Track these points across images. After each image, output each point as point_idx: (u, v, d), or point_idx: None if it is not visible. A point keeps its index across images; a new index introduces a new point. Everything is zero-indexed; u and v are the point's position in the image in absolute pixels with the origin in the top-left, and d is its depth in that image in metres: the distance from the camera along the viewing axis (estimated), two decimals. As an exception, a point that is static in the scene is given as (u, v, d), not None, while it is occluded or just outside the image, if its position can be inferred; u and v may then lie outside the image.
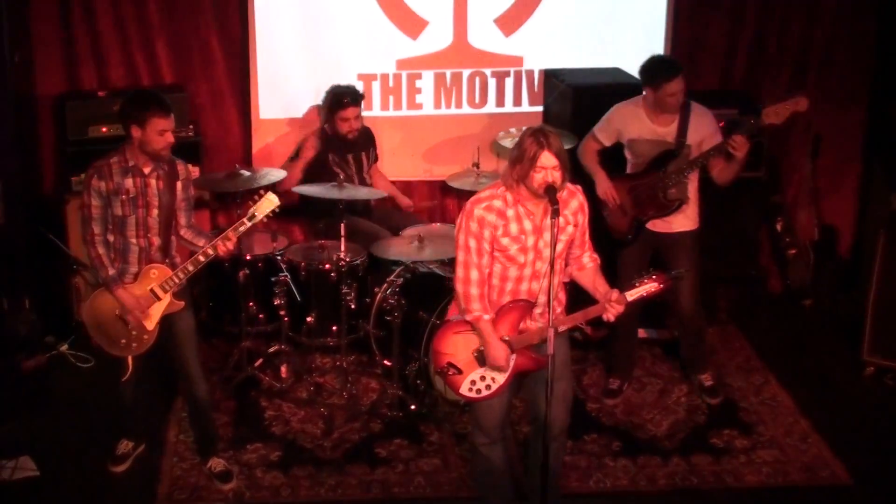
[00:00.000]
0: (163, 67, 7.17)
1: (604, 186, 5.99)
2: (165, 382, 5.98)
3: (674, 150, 5.78)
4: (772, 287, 7.68)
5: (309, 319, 6.43)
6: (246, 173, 6.49)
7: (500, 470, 5.03)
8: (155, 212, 5.14)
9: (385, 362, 6.32)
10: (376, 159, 7.22)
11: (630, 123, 5.92)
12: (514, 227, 4.60)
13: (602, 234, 6.03)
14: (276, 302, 6.22)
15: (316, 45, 7.29)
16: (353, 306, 6.25)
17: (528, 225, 4.60)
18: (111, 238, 5.16)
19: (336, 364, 6.47)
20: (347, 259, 6.26)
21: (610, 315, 4.65)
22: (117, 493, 5.36)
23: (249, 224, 5.07)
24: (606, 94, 6.88)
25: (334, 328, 6.43)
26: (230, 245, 5.08)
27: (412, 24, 7.35)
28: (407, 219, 7.09)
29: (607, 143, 6.04)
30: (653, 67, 5.81)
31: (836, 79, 7.58)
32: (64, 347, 6.61)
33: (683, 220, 5.93)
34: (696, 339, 6.27)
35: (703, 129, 5.79)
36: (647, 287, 4.66)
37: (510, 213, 4.59)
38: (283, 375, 6.40)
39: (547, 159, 4.45)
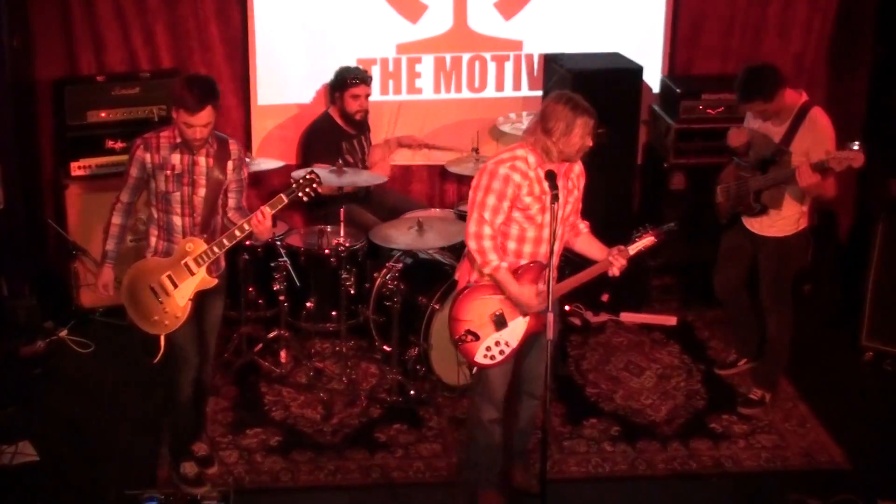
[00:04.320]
0: (161, 52, 7.14)
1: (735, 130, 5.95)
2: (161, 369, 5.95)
3: (772, 156, 5.67)
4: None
5: (308, 305, 6.45)
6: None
7: (498, 446, 5.15)
8: (202, 191, 5.01)
9: (384, 347, 6.32)
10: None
11: (753, 116, 5.87)
12: (536, 188, 4.72)
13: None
14: (276, 287, 6.23)
15: (315, 30, 7.27)
16: (352, 291, 6.25)
17: (547, 185, 4.70)
18: (156, 215, 5.06)
19: (335, 349, 6.48)
20: (347, 244, 6.25)
21: (615, 269, 4.81)
22: (117, 478, 5.35)
23: (287, 201, 4.94)
24: (606, 78, 6.88)
25: (334, 313, 6.43)
26: (265, 221, 4.92)
27: (412, 8, 7.33)
28: (405, 203, 7.09)
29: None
30: (738, 81, 5.68)
31: (835, 64, 7.57)
32: (63, 333, 6.61)
33: (770, 226, 5.81)
34: (769, 341, 6.09)
35: (809, 140, 5.55)
36: (644, 241, 4.84)
37: (532, 174, 4.71)
38: (283, 360, 6.41)
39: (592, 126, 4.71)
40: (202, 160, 5.01)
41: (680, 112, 7.18)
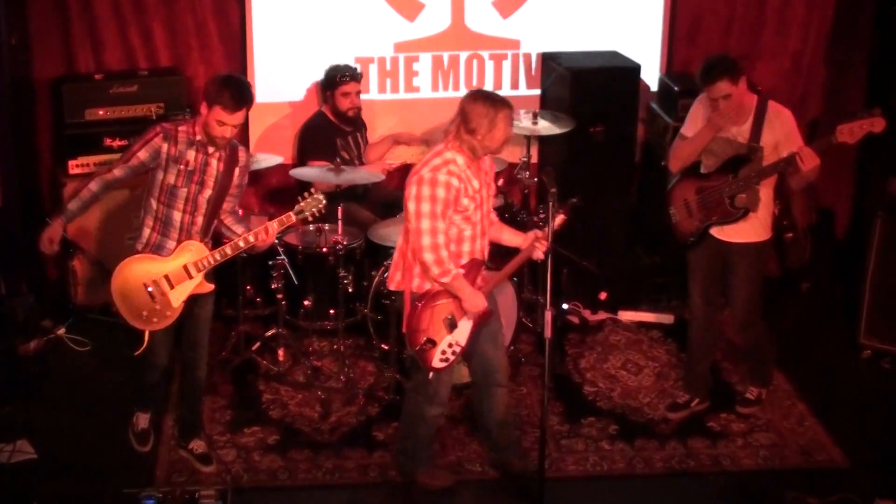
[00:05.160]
0: (159, 50, 7.14)
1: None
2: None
3: (745, 155, 5.48)
4: (769, 270, 7.66)
5: (306, 303, 6.45)
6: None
7: (435, 434, 5.40)
8: (208, 192, 5.06)
9: (382, 346, 6.32)
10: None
11: (705, 117, 5.53)
12: (469, 188, 4.83)
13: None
14: (274, 285, 6.23)
15: (313, 28, 7.26)
16: (350, 290, 6.25)
17: (475, 183, 4.86)
18: (155, 206, 5.05)
19: (333, 348, 6.48)
20: (345, 242, 6.25)
21: (540, 253, 4.94)
22: (115, 477, 5.36)
23: (295, 219, 5.11)
24: (604, 77, 6.89)
25: (331, 312, 6.44)
26: (270, 238, 5.09)
27: (409, 7, 7.33)
28: (403, 201, 7.06)
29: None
30: (701, 68, 5.43)
31: (833, 59, 7.57)
32: (61, 331, 6.61)
33: (749, 231, 5.57)
34: (749, 350, 6.08)
35: (779, 132, 5.40)
36: (556, 221, 4.94)
37: (463, 175, 4.83)
38: (281, 359, 6.41)
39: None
40: (214, 162, 5.05)
41: (678, 110, 7.14)
